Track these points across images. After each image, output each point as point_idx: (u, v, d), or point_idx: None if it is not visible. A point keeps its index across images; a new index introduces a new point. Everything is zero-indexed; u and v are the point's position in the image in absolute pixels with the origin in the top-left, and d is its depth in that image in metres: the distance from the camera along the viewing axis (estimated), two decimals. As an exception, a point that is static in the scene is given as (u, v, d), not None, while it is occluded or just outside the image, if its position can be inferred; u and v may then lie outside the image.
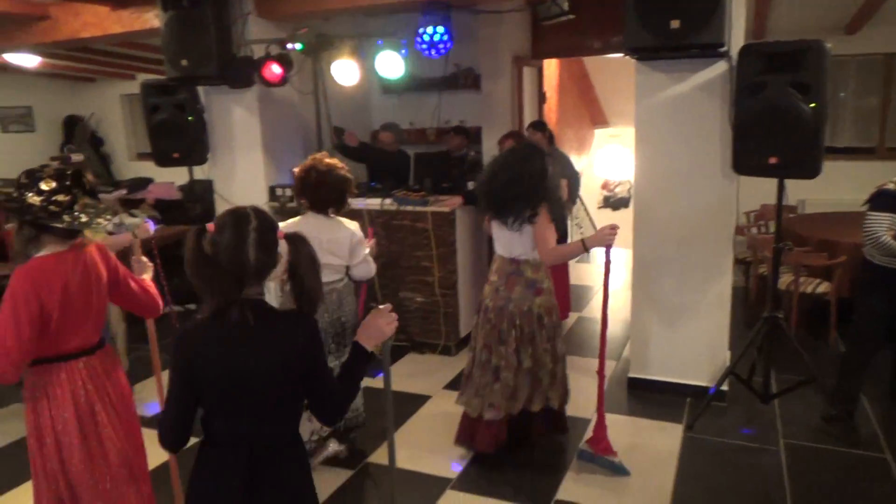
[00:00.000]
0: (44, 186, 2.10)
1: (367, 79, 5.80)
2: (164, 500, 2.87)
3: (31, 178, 2.12)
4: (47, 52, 7.38)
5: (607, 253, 3.19)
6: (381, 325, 1.84)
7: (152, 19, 5.04)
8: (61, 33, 5.58)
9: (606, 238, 3.08)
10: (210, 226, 1.64)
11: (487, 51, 5.88)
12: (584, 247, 3.15)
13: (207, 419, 1.69)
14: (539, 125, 5.47)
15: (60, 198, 2.11)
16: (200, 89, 5.12)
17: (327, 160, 3.19)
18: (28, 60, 7.65)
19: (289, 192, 5.12)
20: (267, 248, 1.64)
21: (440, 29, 4.46)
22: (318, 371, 1.70)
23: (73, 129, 9.58)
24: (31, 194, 2.09)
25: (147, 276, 2.55)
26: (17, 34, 5.86)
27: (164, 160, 5.08)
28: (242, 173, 5.28)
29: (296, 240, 1.70)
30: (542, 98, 6.77)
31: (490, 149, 5.72)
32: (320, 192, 3.15)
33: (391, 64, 4.47)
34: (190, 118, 4.96)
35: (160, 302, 2.48)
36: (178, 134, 4.98)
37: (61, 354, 2.22)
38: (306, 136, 5.54)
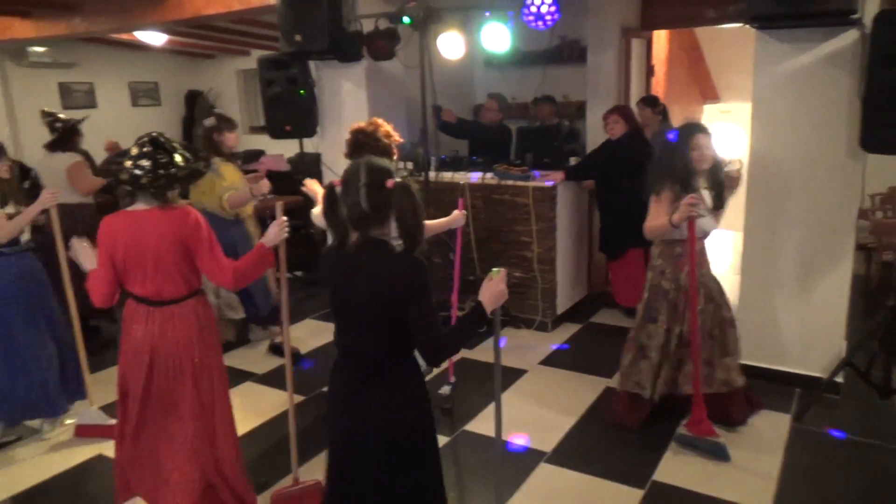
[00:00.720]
0: (133, 151, 2.46)
1: (471, 53, 5.80)
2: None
3: (126, 151, 2.49)
4: (173, 30, 7.87)
5: (690, 228, 3.10)
6: (503, 289, 2.00)
7: (269, -4, 5.25)
8: (186, 12, 5.92)
9: (689, 210, 3.02)
10: (337, 182, 1.94)
11: (595, 22, 5.73)
12: (671, 222, 3.10)
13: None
14: (650, 100, 5.29)
15: (144, 162, 2.42)
16: (312, 64, 5.30)
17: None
18: (156, 38, 8.19)
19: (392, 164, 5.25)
20: (373, 197, 1.87)
21: (548, 0, 4.38)
22: (418, 307, 1.86)
23: (194, 102, 10.19)
24: (127, 161, 2.44)
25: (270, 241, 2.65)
26: (147, 12, 6.27)
27: (276, 132, 5.32)
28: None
29: (398, 188, 1.89)
30: (650, 71, 6.52)
31: (594, 124, 5.59)
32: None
33: (497, 36, 4.44)
34: (301, 92, 5.15)
35: (228, 277, 2.56)
36: (290, 107, 5.19)
37: (134, 295, 2.56)
38: (410, 109, 5.63)
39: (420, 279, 1.87)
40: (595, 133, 5.61)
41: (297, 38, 4.70)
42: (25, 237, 3.53)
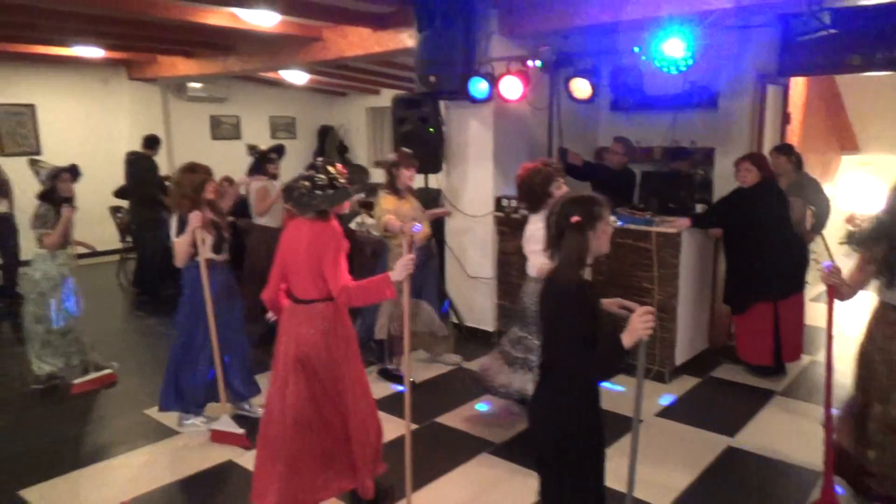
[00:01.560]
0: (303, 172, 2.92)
1: (597, 95, 5.82)
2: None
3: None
4: (314, 70, 8.48)
5: (830, 295, 2.93)
6: (636, 324, 2.00)
7: (406, 39, 5.57)
8: (330, 53, 6.39)
9: (827, 279, 2.87)
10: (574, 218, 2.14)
11: (729, 68, 5.60)
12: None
13: None
14: (785, 149, 5.09)
15: (305, 182, 2.83)
16: (442, 103, 5.53)
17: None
18: (298, 77, 8.85)
19: (513, 202, 5.33)
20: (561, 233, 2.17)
21: (683, 45, 4.35)
22: (556, 327, 2.14)
23: (325, 137, 10.86)
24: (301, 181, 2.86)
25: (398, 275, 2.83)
26: (294, 54, 6.82)
27: (405, 168, 5.56)
28: (472, 183, 5.61)
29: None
30: (785, 119, 6.26)
31: (723, 171, 5.43)
32: None
33: (629, 80, 4.46)
34: (431, 130, 5.38)
35: (337, 292, 2.83)
36: (420, 144, 5.42)
37: (288, 292, 2.97)
38: (533, 149, 5.73)
39: (557, 302, 2.15)
40: (723, 180, 5.44)
41: (432, 79, 4.94)
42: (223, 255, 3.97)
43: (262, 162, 5.59)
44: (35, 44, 7.18)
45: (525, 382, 3.68)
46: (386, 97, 10.08)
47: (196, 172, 3.81)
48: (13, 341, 5.87)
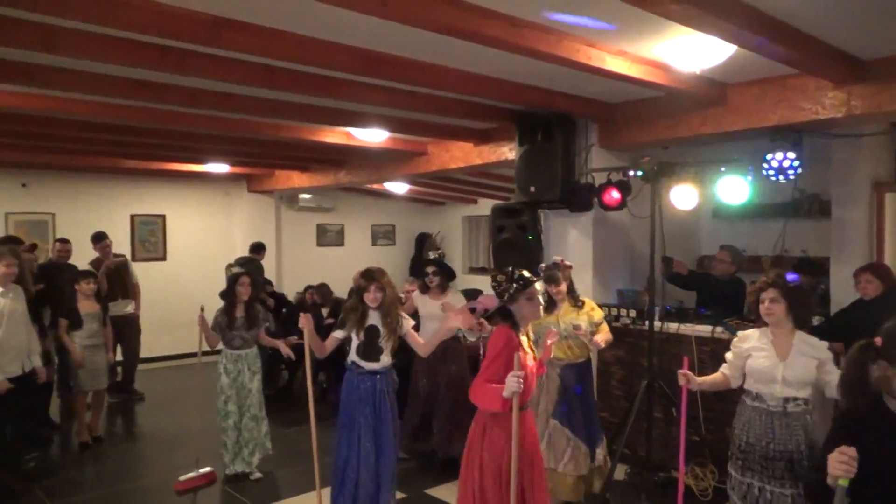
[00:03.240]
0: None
1: (699, 203, 5.77)
2: None
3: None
4: (415, 181, 8.93)
5: None
6: (833, 461, 1.83)
7: (507, 152, 5.81)
8: (433, 165, 6.73)
9: None
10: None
11: (841, 176, 5.42)
12: None
13: None
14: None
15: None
16: (541, 211, 5.64)
17: None
18: (399, 188, 9.33)
19: (614, 311, 5.23)
20: None
21: (791, 155, 4.30)
22: None
23: (423, 244, 11.22)
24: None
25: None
26: (400, 167, 7.24)
27: (503, 274, 5.63)
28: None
29: None
30: (907, 228, 5.92)
31: (839, 281, 5.14)
32: None
33: (736, 189, 4.40)
34: (530, 237, 5.46)
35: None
36: (518, 251, 5.48)
37: None
38: (633, 259, 5.67)
39: None
40: (839, 291, 5.14)
41: (532, 188, 5.08)
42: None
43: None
44: (171, 161, 8.00)
45: None
46: (482, 206, 10.40)
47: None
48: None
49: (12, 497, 4.56)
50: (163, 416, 6.76)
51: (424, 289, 5.35)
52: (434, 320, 5.11)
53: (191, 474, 4.76)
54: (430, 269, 5.31)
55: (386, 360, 3.87)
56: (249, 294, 4.91)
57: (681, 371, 3.31)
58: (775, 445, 3.12)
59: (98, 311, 5.70)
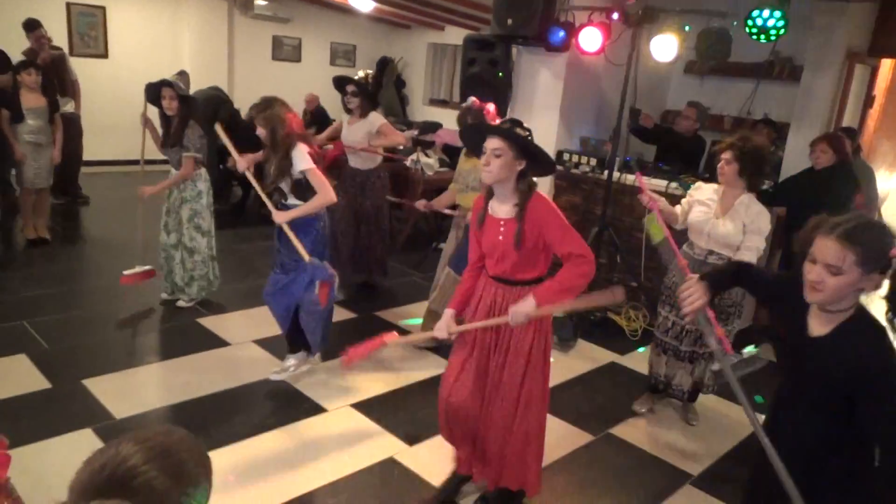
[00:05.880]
0: None
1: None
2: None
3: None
4: (381, -1, 8.32)
5: None
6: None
7: (485, -23, 5.42)
8: (403, -19, 6.24)
9: None
10: None
11: (817, 41, 5.33)
12: None
13: None
14: (851, 132, 4.95)
15: None
16: (514, 48, 5.41)
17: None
18: (364, 4, 8.69)
19: (575, 157, 5.26)
20: None
21: (777, 13, 4.17)
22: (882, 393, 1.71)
23: (384, 68, 10.73)
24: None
25: None
26: (367, -20, 6.68)
27: (467, 109, 5.50)
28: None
29: None
30: (868, 101, 5.99)
31: (796, 148, 5.26)
32: None
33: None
34: (500, 74, 5.29)
35: None
36: (486, 87, 5.34)
37: None
38: (601, 107, 5.60)
39: None
40: (793, 158, 5.27)
41: (509, 21, 4.82)
42: None
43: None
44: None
45: (685, 376, 3.62)
46: (450, 34, 9.88)
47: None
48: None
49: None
50: (109, 221, 6.70)
51: (347, 112, 4.96)
52: (354, 154, 4.89)
53: (135, 270, 4.60)
54: (349, 88, 4.78)
55: (293, 201, 3.52)
56: (176, 110, 4.32)
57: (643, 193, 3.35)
58: None
59: (44, 106, 5.35)
